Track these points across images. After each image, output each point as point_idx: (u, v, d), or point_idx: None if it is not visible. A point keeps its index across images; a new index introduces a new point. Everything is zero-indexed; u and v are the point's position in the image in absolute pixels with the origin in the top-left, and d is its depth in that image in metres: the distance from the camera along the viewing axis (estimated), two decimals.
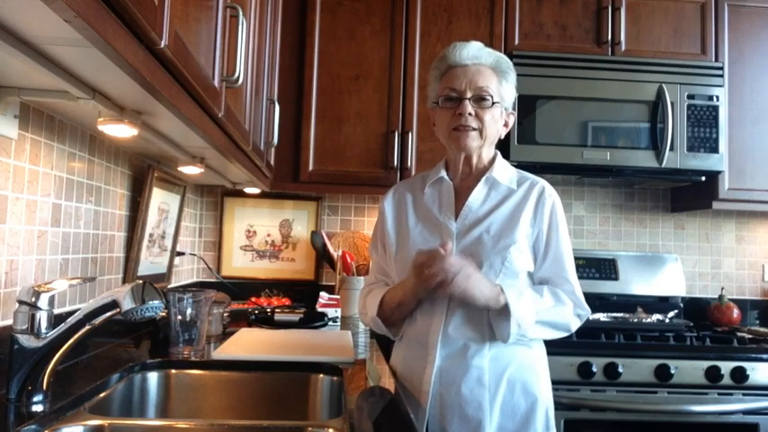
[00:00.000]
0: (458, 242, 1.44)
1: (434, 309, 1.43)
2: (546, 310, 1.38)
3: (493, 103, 1.44)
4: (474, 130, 1.44)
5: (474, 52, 1.45)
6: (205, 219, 2.81)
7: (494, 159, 1.53)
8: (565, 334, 1.44)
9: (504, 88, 1.47)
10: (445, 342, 1.41)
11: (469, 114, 1.42)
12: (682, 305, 2.71)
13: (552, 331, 1.42)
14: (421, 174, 1.66)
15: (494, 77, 1.45)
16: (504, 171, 1.52)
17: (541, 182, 1.50)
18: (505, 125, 1.52)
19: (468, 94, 1.42)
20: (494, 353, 1.40)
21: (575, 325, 1.43)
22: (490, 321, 1.39)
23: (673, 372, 2.09)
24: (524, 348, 1.43)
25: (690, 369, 2.11)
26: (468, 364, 1.39)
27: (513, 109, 1.53)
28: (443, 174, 1.54)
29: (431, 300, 1.42)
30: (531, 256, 1.45)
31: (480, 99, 1.43)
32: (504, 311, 1.34)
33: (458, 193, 1.52)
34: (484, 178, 1.49)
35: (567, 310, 1.41)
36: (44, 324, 1.06)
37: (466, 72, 1.44)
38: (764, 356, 2.13)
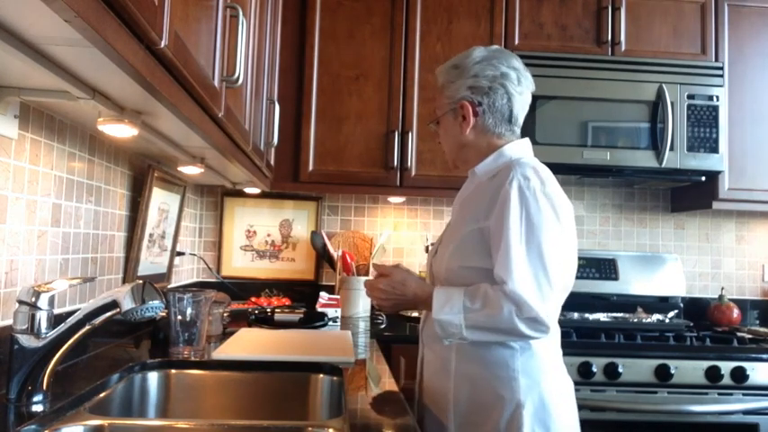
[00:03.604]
0: (441, 242, 1.48)
1: None
2: (475, 314, 1.25)
3: (437, 123, 1.49)
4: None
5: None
6: (205, 219, 2.81)
7: (489, 153, 1.42)
8: (517, 339, 1.28)
9: (446, 91, 1.45)
10: (426, 331, 1.46)
11: (439, 142, 1.53)
12: (682, 305, 2.71)
13: (495, 335, 1.28)
14: None
15: (439, 93, 1.48)
16: (493, 162, 1.41)
17: (517, 168, 1.32)
18: (464, 118, 1.41)
19: None
20: (461, 346, 1.33)
21: (529, 330, 1.22)
22: None
23: (673, 372, 2.09)
24: (499, 346, 1.31)
25: (690, 369, 2.11)
26: (440, 355, 1.40)
27: (473, 96, 1.40)
28: None
29: None
30: (485, 251, 1.31)
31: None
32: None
33: None
34: (469, 172, 1.48)
35: (505, 316, 1.22)
36: (44, 324, 1.06)
37: None
38: (764, 356, 2.13)
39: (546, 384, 1.31)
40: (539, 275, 1.23)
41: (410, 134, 2.49)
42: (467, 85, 1.40)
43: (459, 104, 1.41)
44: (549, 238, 1.26)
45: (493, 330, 1.26)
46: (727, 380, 2.10)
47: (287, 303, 2.56)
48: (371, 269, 1.39)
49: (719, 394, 2.10)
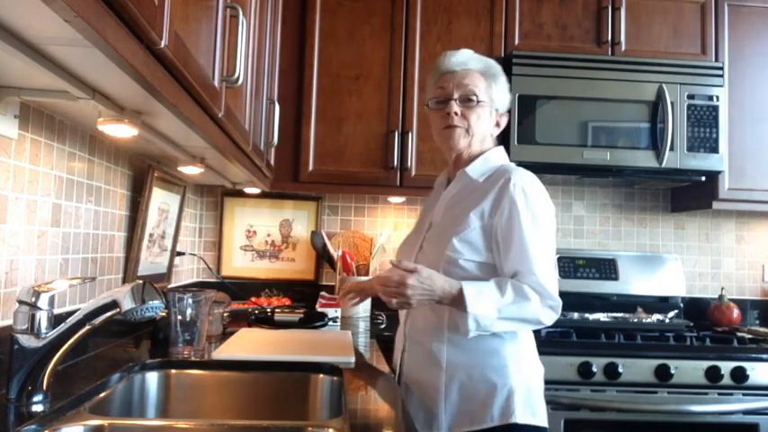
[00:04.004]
0: (426, 237, 1.53)
1: None
2: (508, 306, 1.33)
3: (478, 102, 1.50)
4: (461, 128, 1.51)
5: (462, 59, 1.53)
6: (205, 219, 2.81)
7: (479, 155, 1.54)
8: (536, 327, 1.42)
9: (493, 91, 1.53)
10: (411, 325, 1.51)
11: (456, 114, 1.50)
12: (682, 305, 2.71)
13: (519, 325, 1.39)
14: None
15: (482, 80, 1.52)
16: (483, 165, 1.52)
17: (513, 172, 1.45)
18: (497, 125, 1.57)
19: (455, 95, 1.50)
20: (453, 337, 1.41)
21: (547, 317, 1.37)
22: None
23: (673, 372, 2.09)
24: (490, 335, 1.39)
25: (690, 369, 2.11)
26: (428, 348, 1.44)
27: (507, 111, 1.59)
28: (442, 175, 1.65)
29: None
30: (486, 246, 1.42)
31: (466, 99, 1.50)
32: (462, 308, 1.33)
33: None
34: (458, 173, 1.53)
35: (533, 305, 1.34)
36: (44, 324, 1.06)
37: (454, 76, 1.52)
38: (764, 356, 2.13)
39: (530, 370, 1.43)
40: (550, 267, 1.39)
41: (410, 134, 2.49)
42: (508, 99, 1.58)
43: (502, 115, 1.56)
44: (551, 235, 1.43)
45: (519, 320, 1.37)
46: (727, 380, 2.10)
47: (287, 303, 2.56)
48: (388, 266, 1.42)
49: (719, 394, 2.10)
